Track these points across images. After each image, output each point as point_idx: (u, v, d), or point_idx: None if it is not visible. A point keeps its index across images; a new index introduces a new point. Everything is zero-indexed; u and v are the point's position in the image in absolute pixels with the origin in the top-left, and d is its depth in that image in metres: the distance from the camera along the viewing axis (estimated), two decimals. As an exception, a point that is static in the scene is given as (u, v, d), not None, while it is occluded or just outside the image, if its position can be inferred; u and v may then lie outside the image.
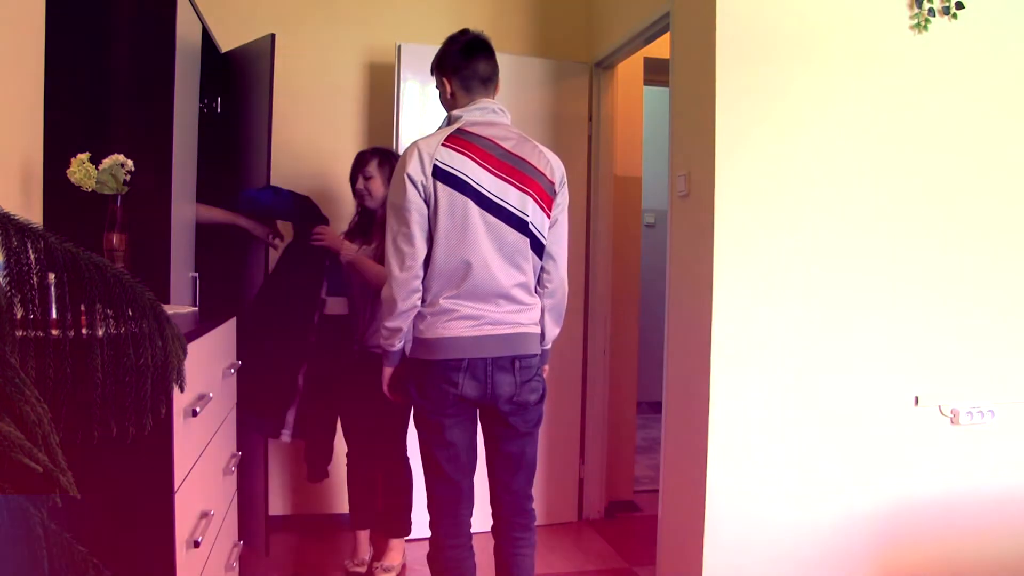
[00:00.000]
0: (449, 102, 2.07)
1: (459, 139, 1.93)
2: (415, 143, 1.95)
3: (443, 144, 1.91)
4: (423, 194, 1.89)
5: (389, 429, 2.74)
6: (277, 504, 3.33)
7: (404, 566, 2.88)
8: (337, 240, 2.66)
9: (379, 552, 2.87)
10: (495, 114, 2.01)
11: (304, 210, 2.84)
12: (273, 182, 3.25)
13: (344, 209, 3.32)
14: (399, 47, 3.10)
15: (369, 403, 2.69)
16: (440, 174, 1.88)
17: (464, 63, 2.02)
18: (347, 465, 2.90)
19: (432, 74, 2.11)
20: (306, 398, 2.77)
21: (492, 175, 1.92)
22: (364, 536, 2.90)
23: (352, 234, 2.75)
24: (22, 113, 2.02)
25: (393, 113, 3.15)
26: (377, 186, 2.68)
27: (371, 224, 2.74)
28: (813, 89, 2.37)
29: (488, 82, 2.04)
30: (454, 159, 1.90)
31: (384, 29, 3.33)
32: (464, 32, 2.08)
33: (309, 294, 2.77)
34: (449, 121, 2.02)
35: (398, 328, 1.94)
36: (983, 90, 2.50)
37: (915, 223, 2.47)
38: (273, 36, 2.78)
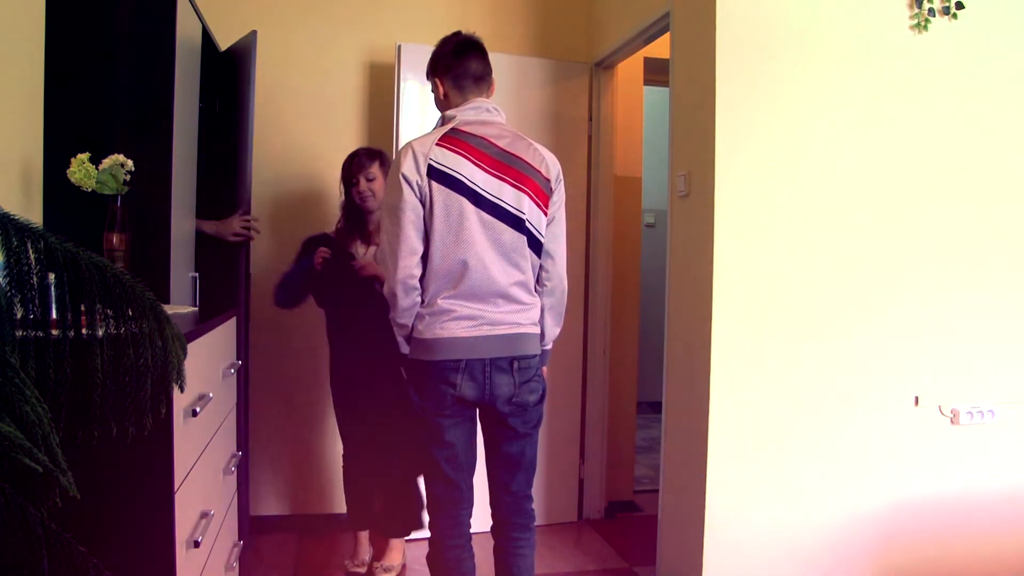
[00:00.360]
0: (443, 103, 2.07)
1: (453, 138, 1.93)
2: (409, 143, 1.95)
3: (437, 144, 1.91)
4: (419, 194, 1.89)
5: (389, 430, 2.74)
6: (275, 505, 3.33)
7: (404, 566, 2.88)
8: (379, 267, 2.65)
9: (379, 552, 2.87)
10: (489, 113, 2.01)
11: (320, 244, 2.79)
12: (272, 182, 3.26)
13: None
14: (399, 47, 3.10)
15: (371, 403, 2.71)
16: (435, 173, 1.88)
17: (456, 63, 2.02)
18: (343, 466, 2.90)
19: (427, 78, 2.11)
20: None
21: (487, 173, 1.91)
22: (364, 536, 2.90)
23: (349, 236, 2.74)
24: (22, 113, 2.02)
25: (393, 113, 3.15)
26: (380, 187, 2.68)
27: (367, 225, 2.74)
28: (813, 89, 2.37)
29: (480, 81, 2.04)
30: (448, 158, 1.90)
31: (384, 29, 3.33)
32: (456, 34, 2.08)
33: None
34: (443, 121, 2.02)
35: (404, 324, 1.96)
36: (983, 90, 2.50)
37: (915, 222, 2.47)
38: (255, 32, 2.78)
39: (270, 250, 3.28)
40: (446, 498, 2.02)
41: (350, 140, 3.32)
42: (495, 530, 2.12)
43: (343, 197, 2.80)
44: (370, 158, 2.72)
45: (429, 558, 2.08)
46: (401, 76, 3.10)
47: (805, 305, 2.38)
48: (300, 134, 3.28)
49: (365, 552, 2.89)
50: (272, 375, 3.29)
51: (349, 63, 3.33)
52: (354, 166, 2.73)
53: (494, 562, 2.12)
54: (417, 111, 3.15)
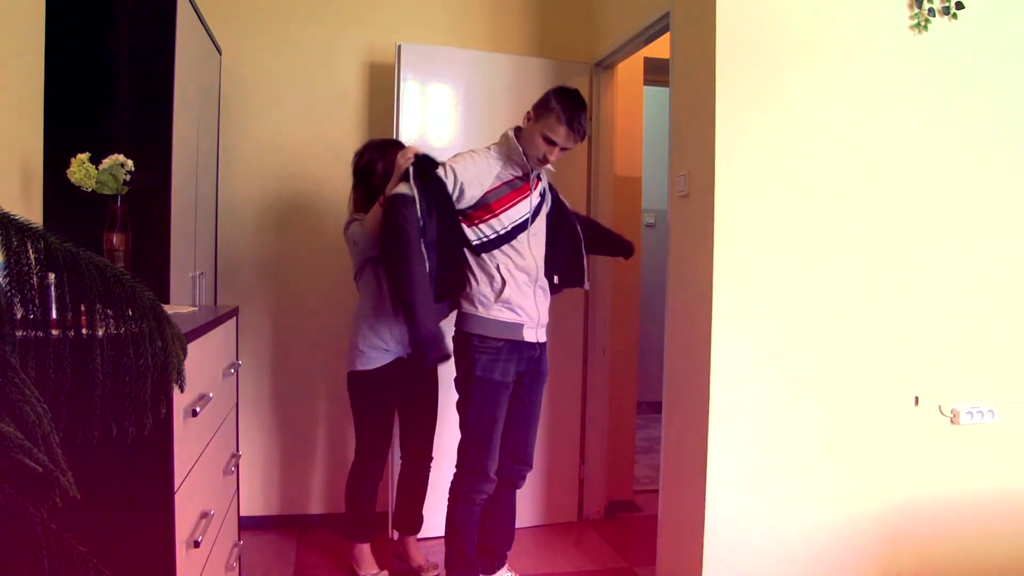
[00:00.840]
0: None
1: None
2: None
3: None
4: None
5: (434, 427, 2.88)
6: (273, 505, 3.33)
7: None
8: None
9: (404, 554, 2.92)
10: None
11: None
12: (272, 183, 3.26)
13: (342, 213, 3.32)
14: (399, 47, 3.10)
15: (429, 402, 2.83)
16: None
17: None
18: (363, 476, 2.77)
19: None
20: None
21: None
22: (368, 548, 2.84)
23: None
24: (22, 113, 2.02)
25: (393, 113, 3.15)
26: None
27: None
28: (813, 89, 2.37)
29: None
30: None
31: (384, 29, 3.33)
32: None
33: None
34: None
35: None
36: (983, 90, 2.50)
37: (915, 223, 2.46)
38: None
39: (269, 250, 3.28)
40: None
41: (350, 139, 3.32)
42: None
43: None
44: None
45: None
46: (401, 76, 3.10)
47: (805, 305, 2.38)
48: (300, 134, 3.28)
49: (372, 564, 2.82)
50: (269, 374, 3.29)
51: (349, 63, 3.33)
52: (391, 150, 2.66)
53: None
54: (417, 111, 3.15)
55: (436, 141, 3.17)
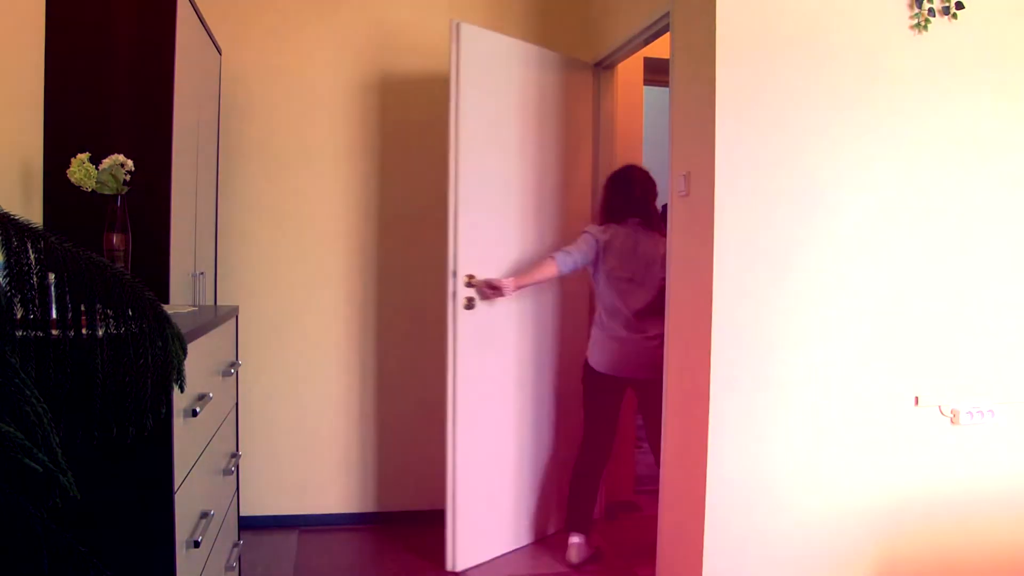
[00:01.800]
0: None
1: None
2: None
3: None
4: None
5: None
6: (276, 504, 3.33)
7: None
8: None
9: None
10: None
11: None
12: (272, 182, 3.26)
13: (348, 213, 3.32)
14: (456, 25, 3.07)
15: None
16: None
17: None
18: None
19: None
20: None
21: None
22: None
23: None
24: (22, 113, 2.02)
25: (394, 112, 3.14)
26: None
27: None
28: (812, 88, 2.37)
29: None
30: None
31: (384, 29, 3.32)
32: None
33: None
34: None
35: None
36: (983, 90, 2.50)
37: (914, 223, 2.46)
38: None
39: (269, 250, 3.28)
40: None
41: (349, 139, 3.32)
42: None
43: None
44: None
45: None
46: (460, 61, 2.98)
47: (805, 305, 2.38)
48: (299, 133, 3.27)
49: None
50: (269, 374, 3.29)
51: (349, 63, 3.32)
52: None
53: None
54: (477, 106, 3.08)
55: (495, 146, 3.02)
